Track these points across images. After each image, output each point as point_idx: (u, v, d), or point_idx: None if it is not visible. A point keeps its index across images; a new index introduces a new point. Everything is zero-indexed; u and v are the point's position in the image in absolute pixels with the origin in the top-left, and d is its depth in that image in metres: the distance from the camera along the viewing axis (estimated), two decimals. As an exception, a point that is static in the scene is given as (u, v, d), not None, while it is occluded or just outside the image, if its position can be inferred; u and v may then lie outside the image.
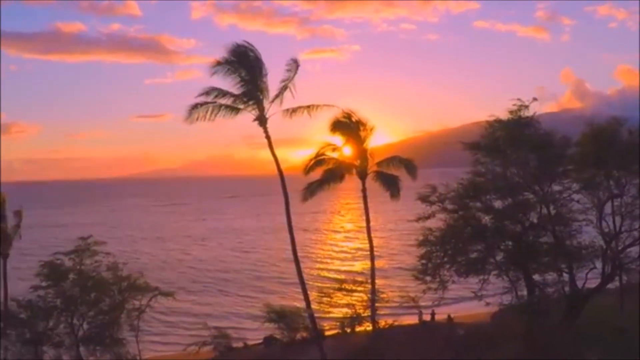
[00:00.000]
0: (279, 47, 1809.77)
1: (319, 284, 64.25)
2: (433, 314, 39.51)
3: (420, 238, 29.87)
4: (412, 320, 39.38)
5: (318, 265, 76.18)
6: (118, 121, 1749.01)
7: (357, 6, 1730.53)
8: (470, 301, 41.96)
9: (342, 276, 57.05)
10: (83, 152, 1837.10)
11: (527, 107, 30.37)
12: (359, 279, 32.50)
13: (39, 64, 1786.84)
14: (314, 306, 30.60)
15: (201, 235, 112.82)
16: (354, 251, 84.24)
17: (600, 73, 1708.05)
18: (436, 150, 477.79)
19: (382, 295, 31.76)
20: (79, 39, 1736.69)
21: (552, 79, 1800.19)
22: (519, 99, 30.74)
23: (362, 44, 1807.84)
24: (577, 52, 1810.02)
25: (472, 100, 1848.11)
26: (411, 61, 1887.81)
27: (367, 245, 30.38)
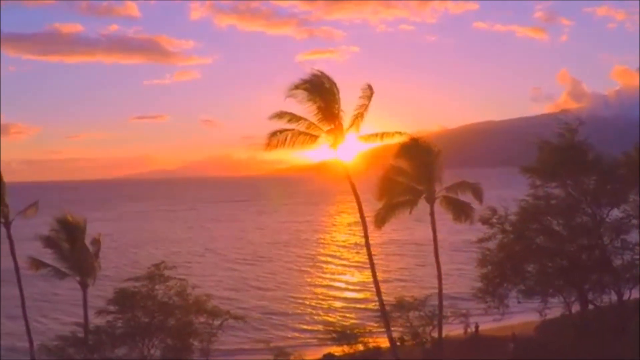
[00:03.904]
0: (278, 48, 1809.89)
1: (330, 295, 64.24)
2: (477, 327, 40.46)
3: (479, 258, 31.22)
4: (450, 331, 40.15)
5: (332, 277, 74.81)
6: (116, 122, 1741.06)
7: (356, 7, 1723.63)
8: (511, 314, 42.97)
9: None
10: (82, 153, 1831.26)
11: (576, 130, 31.58)
12: (415, 296, 33.33)
13: (38, 65, 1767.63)
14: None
15: (202, 245, 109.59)
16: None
17: (600, 74, 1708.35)
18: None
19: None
20: (78, 40, 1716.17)
21: (551, 80, 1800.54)
22: (566, 124, 32.00)
23: (360, 44, 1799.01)
24: (575, 53, 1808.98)
25: (470, 101, 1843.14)
26: (410, 62, 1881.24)
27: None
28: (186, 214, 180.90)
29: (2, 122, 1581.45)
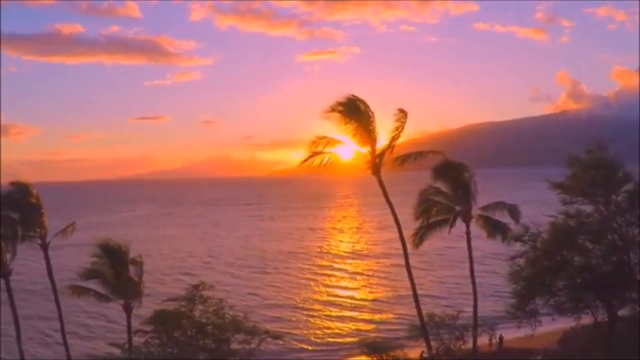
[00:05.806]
0: (279, 49, 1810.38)
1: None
2: (501, 338, 40.75)
3: (510, 273, 31.36)
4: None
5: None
6: (117, 123, 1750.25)
7: (357, 8, 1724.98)
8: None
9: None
10: (82, 154, 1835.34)
11: (606, 148, 31.81)
12: (448, 311, 33.61)
13: (38, 65, 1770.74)
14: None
15: (206, 252, 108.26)
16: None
17: (599, 74, 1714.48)
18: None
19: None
20: (79, 41, 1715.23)
21: (551, 81, 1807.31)
22: (595, 140, 32.24)
23: (361, 45, 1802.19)
24: (575, 54, 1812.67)
25: (471, 102, 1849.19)
26: (410, 63, 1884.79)
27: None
28: (188, 219, 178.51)
29: (2, 123, 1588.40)
